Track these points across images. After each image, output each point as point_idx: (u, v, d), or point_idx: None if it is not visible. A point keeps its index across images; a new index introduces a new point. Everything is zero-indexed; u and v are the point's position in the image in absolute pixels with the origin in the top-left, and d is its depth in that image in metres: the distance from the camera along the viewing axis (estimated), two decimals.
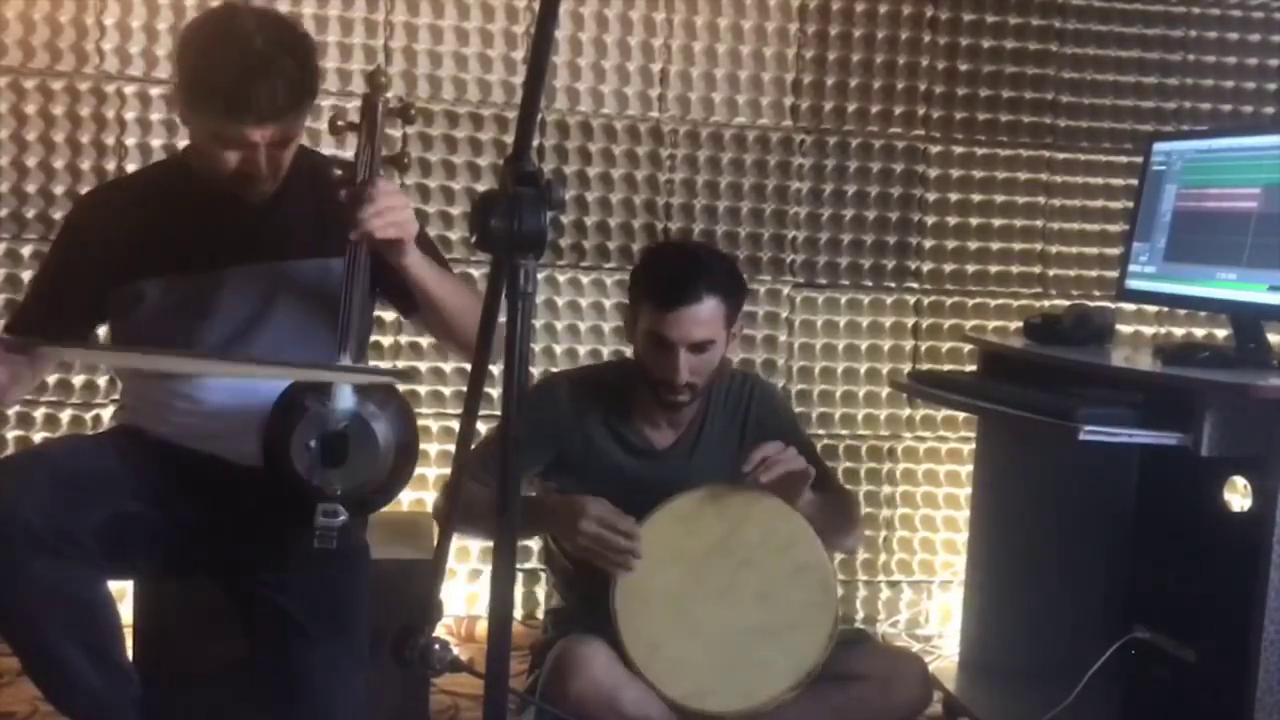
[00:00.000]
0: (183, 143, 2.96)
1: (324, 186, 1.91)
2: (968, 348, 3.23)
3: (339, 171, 1.83)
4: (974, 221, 3.39)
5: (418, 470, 3.12)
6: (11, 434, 3.01)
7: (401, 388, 3.09)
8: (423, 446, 3.15)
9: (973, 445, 2.99)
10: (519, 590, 3.15)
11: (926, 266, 3.38)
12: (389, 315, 3.08)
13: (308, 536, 1.78)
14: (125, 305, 1.99)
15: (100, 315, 2.05)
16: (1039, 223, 3.42)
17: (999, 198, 3.39)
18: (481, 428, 2.99)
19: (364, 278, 1.85)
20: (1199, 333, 3.39)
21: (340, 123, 1.86)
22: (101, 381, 3.02)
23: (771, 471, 2.10)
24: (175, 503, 1.93)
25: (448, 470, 2.99)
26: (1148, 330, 3.44)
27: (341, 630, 1.90)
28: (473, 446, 2.61)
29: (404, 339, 3.11)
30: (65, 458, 1.94)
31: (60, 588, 1.78)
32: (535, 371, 3.10)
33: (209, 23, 1.89)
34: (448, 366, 3.15)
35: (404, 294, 1.97)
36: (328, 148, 2.78)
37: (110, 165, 2.99)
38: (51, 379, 2.96)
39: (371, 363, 2.61)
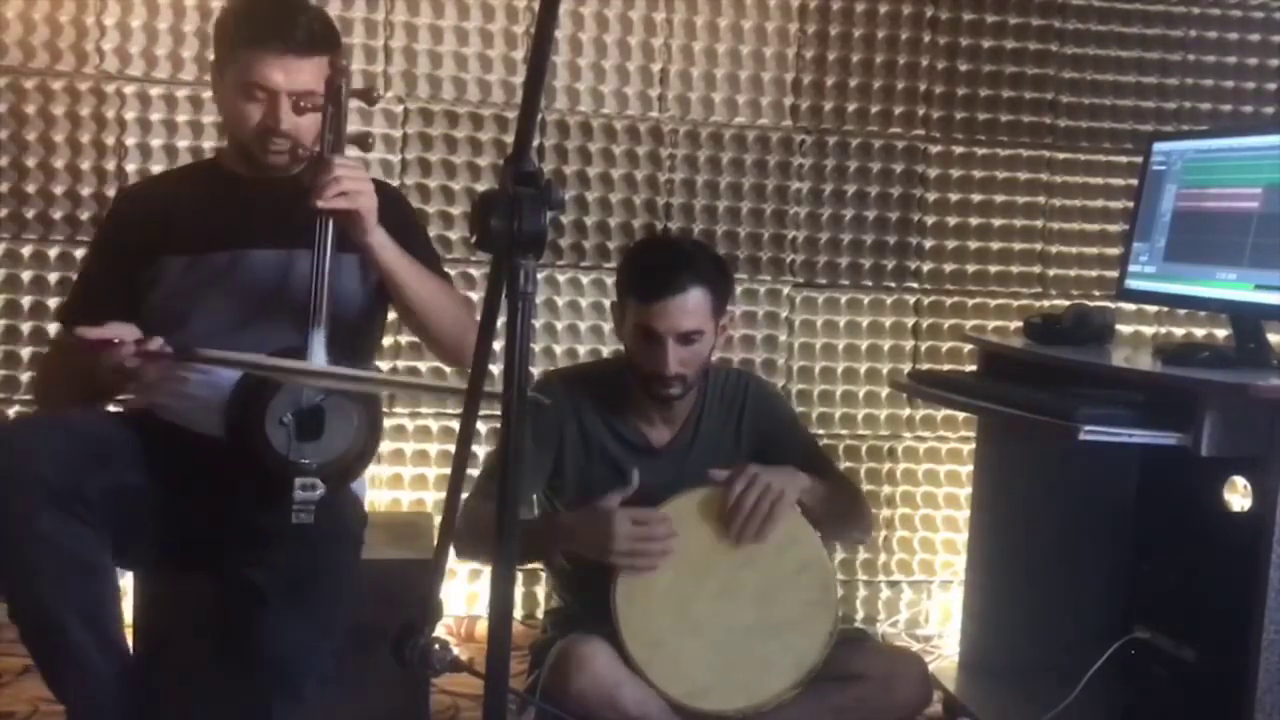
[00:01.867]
0: (183, 143, 3.00)
1: None
2: (968, 348, 3.23)
3: (302, 150, 1.98)
4: (974, 221, 3.39)
5: (417, 470, 3.17)
6: None
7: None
8: (423, 446, 3.17)
9: (973, 445, 2.98)
10: (519, 590, 3.15)
11: (926, 266, 3.38)
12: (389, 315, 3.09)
13: (285, 512, 1.80)
14: (147, 282, 2.06)
15: (137, 297, 2.09)
16: (1039, 223, 3.42)
17: (999, 198, 3.39)
18: (481, 428, 3.00)
19: (329, 250, 1.92)
20: (1199, 333, 3.39)
21: (303, 104, 1.96)
22: None
23: (748, 530, 2.12)
24: (175, 483, 1.94)
25: (448, 470, 2.99)
26: (1148, 330, 3.44)
27: (306, 600, 1.88)
28: (482, 465, 2.63)
29: (404, 339, 3.11)
30: (81, 420, 1.96)
31: (66, 547, 1.78)
32: (535, 372, 3.10)
33: None
34: (448, 366, 3.14)
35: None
36: None
37: (110, 165, 2.99)
38: None
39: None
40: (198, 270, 2.05)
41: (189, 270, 2.05)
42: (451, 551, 2.18)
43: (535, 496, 2.36)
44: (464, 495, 1.76)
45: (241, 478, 1.86)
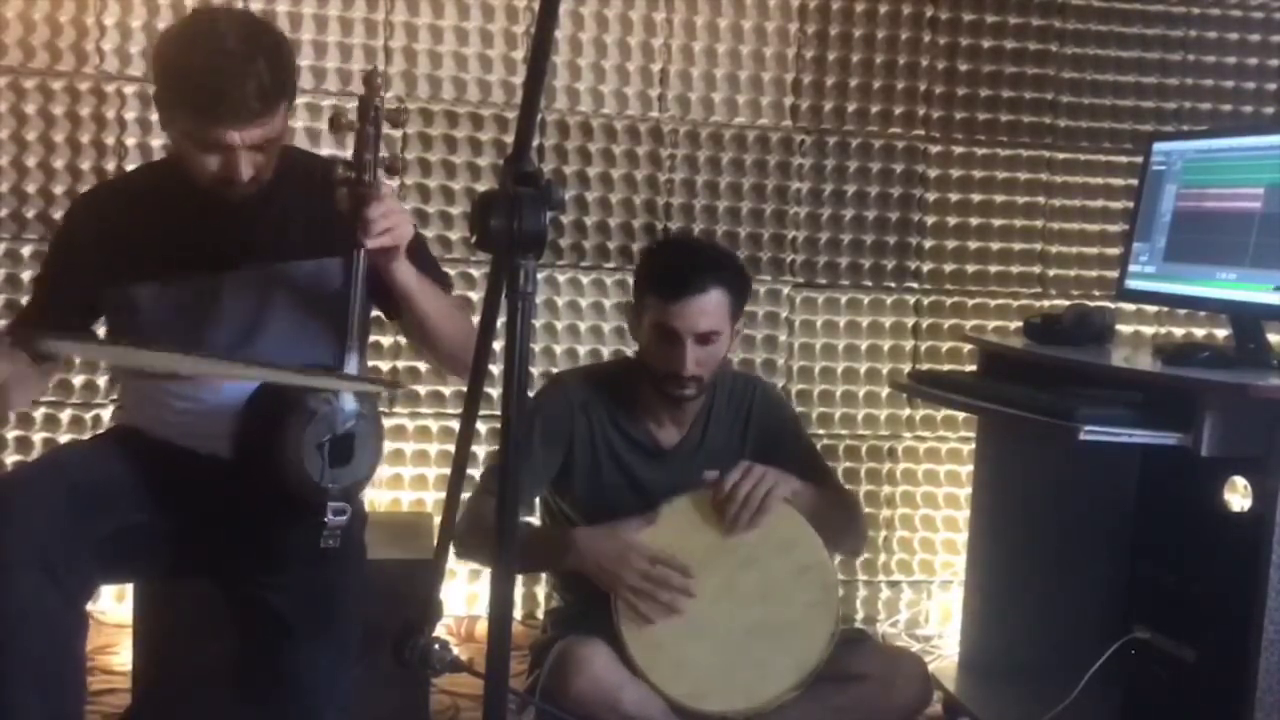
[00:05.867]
0: None
1: (315, 185, 1.91)
2: (968, 348, 3.23)
3: (341, 171, 1.81)
4: (974, 221, 3.39)
5: (417, 470, 3.17)
6: (11, 434, 3.01)
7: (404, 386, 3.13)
8: (423, 446, 3.18)
9: (973, 445, 2.99)
10: (519, 590, 3.15)
11: (926, 266, 3.38)
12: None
13: (310, 536, 1.79)
14: (120, 310, 1.98)
15: (96, 316, 2.04)
16: (1039, 223, 3.42)
17: (999, 198, 3.39)
18: (481, 428, 3.00)
19: (364, 279, 1.85)
20: (1199, 333, 3.39)
21: (343, 121, 1.84)
22: (101, 381, 3.02)
23: (740, 518, 2.12)
24: (177, 505, 1.92)
25: (448, 470, 2.99)
26: (1148, 330, 3.44)
27: (329, 629, 1.89)
28: (485, 463, 2.63)
29: (404, 338, 3.11)
30: (81, 466, 1.92)
31: (41, 613, 1.74)
32: (535, 372, 3.10)
33: (183, 26, 1.89)
34: (451, 376, 3.13)
35: (390, 295, 1.96)
36: (328, 147, 2.80)
37: (110, 165, 2.99)
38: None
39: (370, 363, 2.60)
40: (175, 297, 1.94)
41: (164, 298, 1.95)
42: (452, 551, 2.19)
43: (539, 497, 2.35)
44: (464, 495, 1.75)
45: (257, 500, 1.83)
